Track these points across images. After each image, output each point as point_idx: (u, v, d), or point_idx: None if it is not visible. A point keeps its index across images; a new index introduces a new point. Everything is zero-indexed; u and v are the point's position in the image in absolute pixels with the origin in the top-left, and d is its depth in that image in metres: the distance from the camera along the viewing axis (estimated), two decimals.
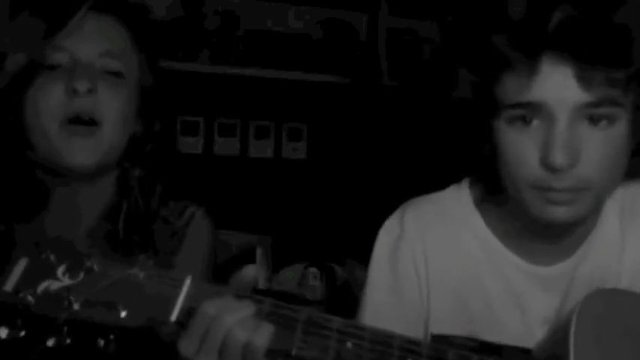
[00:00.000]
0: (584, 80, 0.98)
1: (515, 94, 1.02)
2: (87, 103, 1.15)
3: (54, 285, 0.88)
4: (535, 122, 1.02)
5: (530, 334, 1.16)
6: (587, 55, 0.97)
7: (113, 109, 1.18)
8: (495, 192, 1.15)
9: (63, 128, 1.15)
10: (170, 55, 3.16)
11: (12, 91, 1.16)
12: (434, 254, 1.19)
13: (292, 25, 3.38)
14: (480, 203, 1.21)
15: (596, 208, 1.11)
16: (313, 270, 3.04)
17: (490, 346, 1.16)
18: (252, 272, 2.73)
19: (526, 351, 1.16)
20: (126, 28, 1.23)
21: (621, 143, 1.03)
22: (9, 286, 0.86)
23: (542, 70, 0.99)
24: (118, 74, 1.19)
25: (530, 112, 1.01)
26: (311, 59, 3.39)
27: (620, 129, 1.02)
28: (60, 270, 0.89)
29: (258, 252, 2.90)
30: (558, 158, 0.98)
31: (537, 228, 1.12)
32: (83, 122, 1.16)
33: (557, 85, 0.99)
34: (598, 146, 1.01)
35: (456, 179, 1.28)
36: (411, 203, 1.25)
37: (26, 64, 1.15)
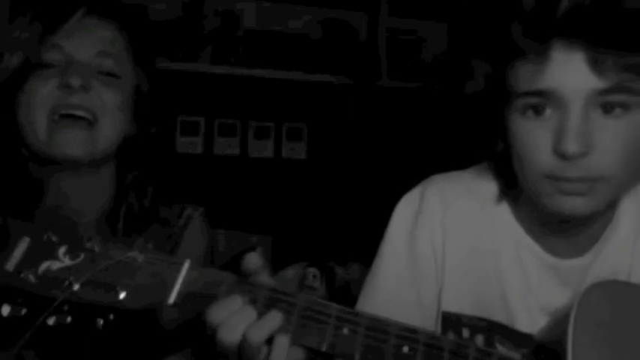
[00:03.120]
0: (596, 66, 0.96)
1: (527, 82, 1.00)
2: (80, 98, 1.16)
3: (55, 265, 0.88)
4: (547, 111, 1.00)
5: (535, 323, 1.15)
6: (599, 40, 0.95)
7: (107, 105, 1.18)
8: (511, 187, 1.15)
9: (55, 121, 1.15)
10: (170, 55, 3.17)
11: (8, 89, 1.17)
12: (452, 231, 1.18)
13: (292, 25, 3.39)
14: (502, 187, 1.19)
15: (612, 203, 1.09)
16: (313, 270, 3.03)
17: (499, 327, 1.16)
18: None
19: (531, 337, 1.16)
20: (123, 33, 1.24)
21: (637, 133, 1.00)
22: (11, 265, 0.87)
23: (554, 57, 0.98)
24: (112, 75, 1.20)
25: (543, 100, 1.00)
26: (311, 59, 3.39)
27: (635, 118, 1.00)
28: (61, 251, 0.89)
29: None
30: (571, 146, 0.97)
31: (552, 222, 1.11)
32: (76, 118, 1.16)
33: (569, 72, 0.97)
34: (612, 135, 0.99)
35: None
36: (433, 179, 1.24)
37: (22, 62, 1.16)
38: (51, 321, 0.87)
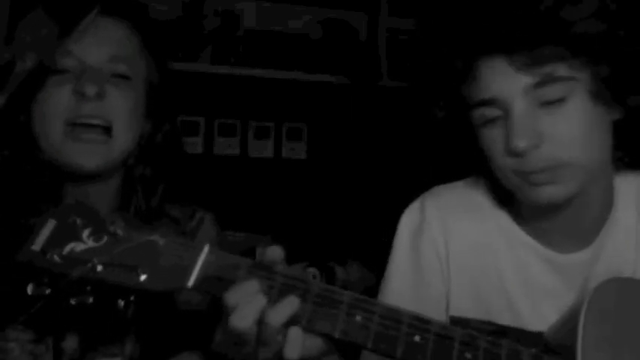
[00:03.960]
0: (516, 65, 1.03)
1: (472, 96, 1.09)
2: (95, 106, 1.15)
3: (79, 247, 0.91)
4: (499, 117, 1.08)
5: (545, 322, 1.16)
6: (503, 45, 1.04)
7: (122, 112, 1.19)
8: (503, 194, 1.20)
9: (70, 131, 1.15)
10: (170, 55, 3.16)
11: (22, 93, 1.17)
12: (455, 241, 1.22)
13: (292, 25, 3.40)
14: (498, 192, 1.23)
15: (587, 183, 1.11)
16: (313, 270, 3.03)
17: (507, 330, 1.17)
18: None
19: (541, 335, 1.16)
20: (135, 31, 1.24)
21: (585, 114, 1.06)
22: (37, 245, 0.89)
23: (482, 69, 1.07)
24: (125, 77, 1.20)
25: (490, 109, 1.07)
26: (311, 59, 3.40)
27: (579, 101, 1.05)
28: (85, 233, 0.92)
29: (258, 252, 2.89)
30: (518, 142, 1.03)
31: (540, 211, 1.14)
32: (91, 126, 1.16)
33: (498, 77, 1.05)
34: (559, 123, 1.04)
35: (457, 178, 1.30)
36: (432, 192, 1.29)
37: (36, 66, 1.15)
38: (74, 301, 0.89)
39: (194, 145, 3.27)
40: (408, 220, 1.27)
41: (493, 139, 1.08)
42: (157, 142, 1.27)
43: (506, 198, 1.21)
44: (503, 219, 1.21)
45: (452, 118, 1.17)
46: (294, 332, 0.91)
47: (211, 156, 3.31)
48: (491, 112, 1.08)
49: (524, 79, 1.03)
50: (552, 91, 1.04)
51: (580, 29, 1.03)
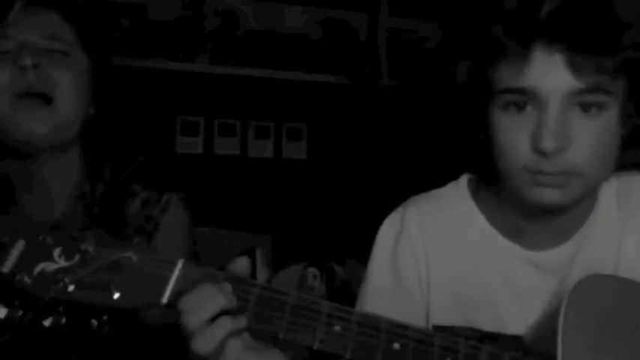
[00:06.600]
0: (574, 67, 1.01)
1: (509, 80, 1.05)
2: (35, 77, 1.19)
3: (50, 267, 0.89)
4: (528, 108, 1.05)
5: (529, 324, 1.16)
6: (577, 43, 1.01)
7: (63, 81, 1.22)
8: (491, 182, 1.18)
9: (15, 103, 1.19)
10: (170, 55, 3.17)
11: None
12: (434, 249, 1.21)
13: (292, 25, 3.40)
14: (478, 197, 1.23)
15: (587, 194, 1.12)
16: (313, 270, 3.04)
17: (490, 336, 1.17)
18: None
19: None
20: (65, 19, 1.26)
21: (611, 130, 1.06)
22: (6, 267, 0.88)
23: (535, 57, 1.03)
24: (63, 52, 1.23)
25: (523, 97, 1.04)
26: (311, 59, 3.40)
27: (610, 116, 1.05)
28: (56, 252, 0.90)
29: (258, 252, 2.90)
30: (548, 143, 1.01)
31: (531, 212, 1.14)
32: (33, 96, 1.20)
33: (549, 72, 1.02)
34: (588, 133, 1.03)
35: (455, 178, 1.29)
36: (412, 200, 1.28)
37: None
38: (47, 322, 0.88)
39: (194, 145, 3.28)
40: (387, 228, 1.25)
41: (515, 129, 1.05)
42: (102, 127, 1.31)
43: (486, 200, 1.21)
44: (482, 224, 1.21)
45: (467, 93, 1.13)
46: (233, 344, 0.90)
47: (211, 156, 3.32)
48: (523, 100, 1.05)
49: (574, 83, 1.01)
50: (593, 100, 1.03)
51: (632, 54, 1.03)
